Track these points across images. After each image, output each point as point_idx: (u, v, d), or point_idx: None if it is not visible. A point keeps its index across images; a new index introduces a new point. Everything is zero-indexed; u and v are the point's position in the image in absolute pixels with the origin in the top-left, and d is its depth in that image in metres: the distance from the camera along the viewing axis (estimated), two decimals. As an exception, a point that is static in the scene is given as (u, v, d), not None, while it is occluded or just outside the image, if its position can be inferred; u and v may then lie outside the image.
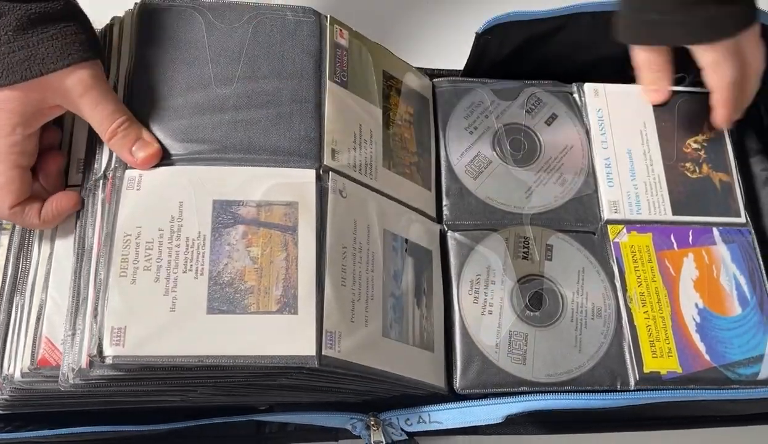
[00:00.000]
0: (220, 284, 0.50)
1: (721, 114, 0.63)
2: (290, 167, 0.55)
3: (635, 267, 0.64)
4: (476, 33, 0.67)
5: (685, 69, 0.73)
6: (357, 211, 0.56)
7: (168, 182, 0.52)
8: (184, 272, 0.50)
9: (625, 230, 0.65)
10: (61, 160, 0.55)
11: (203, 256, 0.50)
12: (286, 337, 0.49)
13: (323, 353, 0.50)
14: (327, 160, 0.56)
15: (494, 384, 0.58)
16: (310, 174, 0.55)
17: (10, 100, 0.50)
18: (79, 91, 0.51)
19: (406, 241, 0.59)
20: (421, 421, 0.57)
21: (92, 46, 0.52)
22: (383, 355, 0.54)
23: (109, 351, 0.46)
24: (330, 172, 0.56)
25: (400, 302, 0.57)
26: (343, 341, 0.51)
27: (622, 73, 0.73)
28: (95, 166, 0.55)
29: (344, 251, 0.54)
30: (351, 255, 0.54)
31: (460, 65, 0.72)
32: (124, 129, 0.52)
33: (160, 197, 0.52)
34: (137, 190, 0.52)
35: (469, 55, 0.70)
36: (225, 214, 0.52)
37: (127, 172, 0.52)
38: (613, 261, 0.64)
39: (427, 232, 0.62)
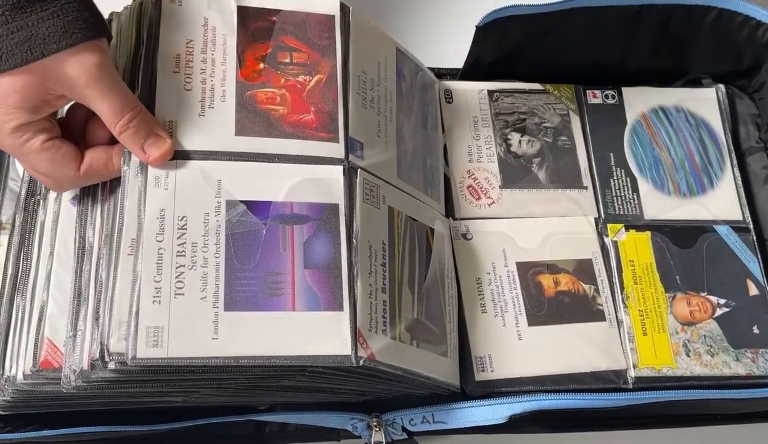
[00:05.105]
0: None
1: None
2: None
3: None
4: (476, 26, 0.67)
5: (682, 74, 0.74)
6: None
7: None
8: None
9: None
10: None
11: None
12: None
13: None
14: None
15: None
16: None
17: (10, 94, 0.45)
18: (85, 81, 0.46)
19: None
20: (425, 421, 0.57)
21: (96, 24, 0.47)
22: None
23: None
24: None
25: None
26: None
27: (621, 72, 0.74)
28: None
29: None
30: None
31: (458, 64, 0.71)
32: (136, 124, 0.49)
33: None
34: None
35: (469, 52, 0.69)
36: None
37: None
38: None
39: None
